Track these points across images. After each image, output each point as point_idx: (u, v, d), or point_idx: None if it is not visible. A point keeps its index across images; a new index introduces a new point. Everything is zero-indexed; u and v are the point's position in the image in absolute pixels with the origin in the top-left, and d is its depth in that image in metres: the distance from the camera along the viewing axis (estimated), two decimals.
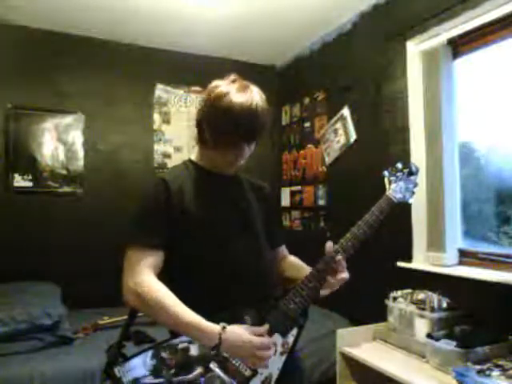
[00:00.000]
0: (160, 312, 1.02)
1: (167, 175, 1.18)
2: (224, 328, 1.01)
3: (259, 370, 1.06)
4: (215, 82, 1.18)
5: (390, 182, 1.28)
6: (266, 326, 1.08)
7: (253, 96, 1.12)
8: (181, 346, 1.00)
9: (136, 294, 1.03)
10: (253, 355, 1.02)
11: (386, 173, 1.29)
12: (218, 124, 1.12)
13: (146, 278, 1.05)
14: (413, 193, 1.31)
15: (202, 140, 1.21)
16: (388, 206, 1.21)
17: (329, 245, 1.14)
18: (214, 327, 1.01)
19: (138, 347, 1.03)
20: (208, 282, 1.13)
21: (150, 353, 0.99)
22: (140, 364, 0.98)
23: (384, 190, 1.29)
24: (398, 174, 1.29)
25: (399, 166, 1.31)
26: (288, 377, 1.14)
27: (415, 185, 1.32)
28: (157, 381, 0.97)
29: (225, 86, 1.14)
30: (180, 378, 0.98)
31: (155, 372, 0.97)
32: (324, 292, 1.12)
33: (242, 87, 1.13)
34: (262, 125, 1.15)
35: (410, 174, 1.31)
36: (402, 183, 1.28)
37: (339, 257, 1.11)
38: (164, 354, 0.99)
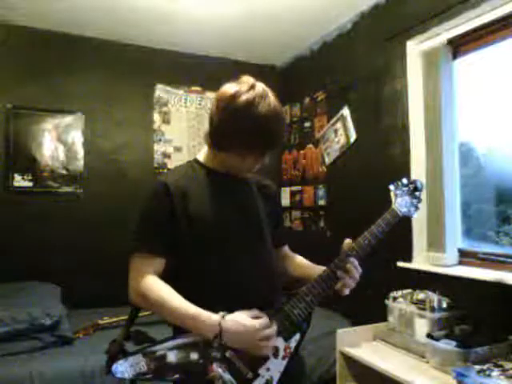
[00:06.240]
0: (162, 308, 1.05)
1: (169, 177, 1.16)
2: (223, 316, 1.03)
3: (261, 372, 1.06)
4: (234, 87, 1.12)
5: (395, 196, 1.31)
6: (265, 317, 1.08)
7: (275, 103, 1.12)
8: (159, 352, 1.01)
9: (140, 295, 1.08)
10: (254, 339, 1.03)
11: (391, 187, 1.33)
12: (244, 134, 1.10)
13: (148, 280, 1.08)
14: (417, 208, 1.34)
15: (217, 145, 1.16)
16: (393, 219, 1.24)
17: (347, 241, 1.19)
18: (214, 316, 1.03)
19: (138, 347, 1.04)
20: (213, 285, 1.13)
21: (135, 356, 1.00)
22: (132, 364, 0.99)
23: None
24: (404, 188, 1.32)
25: (405, 181, 1.34)
26: (289, 377, 1.14)
27: (419, 200, 1.35)
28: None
29: (246, 94, 1.10)
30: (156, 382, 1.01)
31: (137, 375, 0.99)
32: (344, 291, 1.16)
33: (263, 93, 1.11)
34: (284, 130, 1.18)
35: (416, 189, 1.34)
36: (407, 198, 1.31)
37: (352, 258, 1.16)
38: (143, 359, 1.00)
